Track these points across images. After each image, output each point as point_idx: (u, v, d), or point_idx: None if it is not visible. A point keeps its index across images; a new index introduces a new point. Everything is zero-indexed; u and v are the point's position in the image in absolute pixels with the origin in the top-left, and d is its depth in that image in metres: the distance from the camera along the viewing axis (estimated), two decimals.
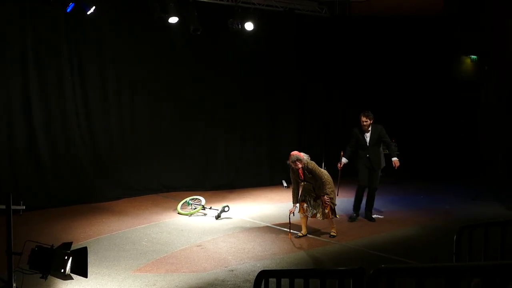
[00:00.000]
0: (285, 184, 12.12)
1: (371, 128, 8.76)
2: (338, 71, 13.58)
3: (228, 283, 5.78)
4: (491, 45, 13.06)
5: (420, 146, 13.62)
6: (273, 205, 10.24)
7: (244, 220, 8.90)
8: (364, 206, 9.00)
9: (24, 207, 6.45)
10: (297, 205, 7.70)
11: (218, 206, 9.28)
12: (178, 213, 9.32)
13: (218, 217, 8.92)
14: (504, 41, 12.61)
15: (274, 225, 8.49)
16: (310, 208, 7.70)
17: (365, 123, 8.73)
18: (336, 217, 7.77)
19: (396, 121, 13.61)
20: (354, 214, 9.01)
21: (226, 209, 9.06)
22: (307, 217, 7.77)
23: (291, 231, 7.61)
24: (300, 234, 7.75)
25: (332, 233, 7.74)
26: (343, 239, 7.65)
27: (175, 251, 7.05)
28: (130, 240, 7.59)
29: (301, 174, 7.49)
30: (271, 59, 12.65)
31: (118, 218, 8.96)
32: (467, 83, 14.30)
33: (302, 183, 7.67)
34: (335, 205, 7.67)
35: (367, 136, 8.78)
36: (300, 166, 7.41)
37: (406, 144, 13.42)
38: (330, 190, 7.48)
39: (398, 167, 8.70)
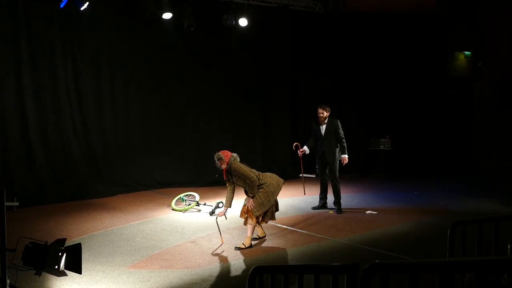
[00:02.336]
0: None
1: (328, 121, 9.02)
2: (332, 67, 13.58)
3: (222, 279, 5.78)
4: (485, 41, 13.10)
5: (414, 142, 13.66)
6: None
7: (238, 216, 8.88)
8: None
9: (17, 204, 6.44)
10: (227, 210, 7.25)
11: (212, 202, 9.29)
12: (172, 209, 9.32)
13: (212, 213, 8.93)
14: (497, 37, 12.66)
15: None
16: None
17: (320, 115, 9.01)
18: (257, 224, 7.11)
19: (390, 117, 13.68)
20: (319, 203, 9.33)
21: (220, 205, 9.07)
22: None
23: (222, 235, 7.14)
24: (255, 236, 7.26)
25: (239, 245, 6.95)
26: (337, 235, 7.66)
27: (169, 247, 7.05)
28: (124, 236, 7.58)
29: (224, 175, 7.03)
30: (266, 55, 12.66)
31: (112, 215, 8.95)
32: (461, 79, 14.34)
33: (231, 185, 7.13)
34: (261, 212, 6.91)
35: (323, 128, 9.05)
36: (223, 166, 6.91)
37: (400, 140, 13.48)
38: (261, 193, 6.87)
39: (345, 164, 9.02)
